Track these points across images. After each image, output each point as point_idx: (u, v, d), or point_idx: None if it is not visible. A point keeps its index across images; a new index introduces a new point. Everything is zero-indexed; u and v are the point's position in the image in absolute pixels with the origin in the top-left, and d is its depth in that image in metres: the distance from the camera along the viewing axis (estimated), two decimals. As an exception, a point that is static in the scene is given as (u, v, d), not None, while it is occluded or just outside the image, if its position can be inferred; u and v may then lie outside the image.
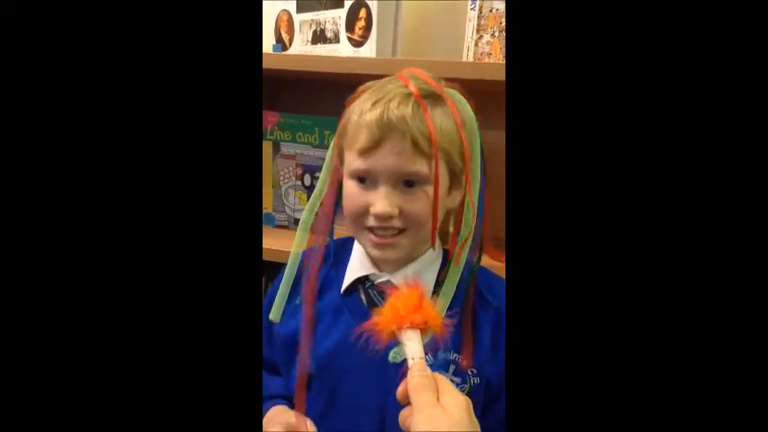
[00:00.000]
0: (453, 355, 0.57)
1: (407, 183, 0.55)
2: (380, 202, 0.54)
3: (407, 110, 0.53)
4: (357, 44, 0.89)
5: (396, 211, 0.54)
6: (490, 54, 0.85)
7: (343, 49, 0.91)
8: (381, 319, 0.46)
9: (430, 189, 0.55)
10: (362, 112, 0.55)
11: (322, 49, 0.94)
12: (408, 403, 0.42)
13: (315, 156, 0.95)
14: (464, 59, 0.87)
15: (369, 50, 0.88)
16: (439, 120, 0.54)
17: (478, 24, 0.85)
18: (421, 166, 0.54)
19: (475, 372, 0.58)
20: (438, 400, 0.41)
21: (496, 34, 0.84)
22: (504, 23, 0.84)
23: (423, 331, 0.45)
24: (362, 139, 0.54)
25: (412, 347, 0.44)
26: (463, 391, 0.58)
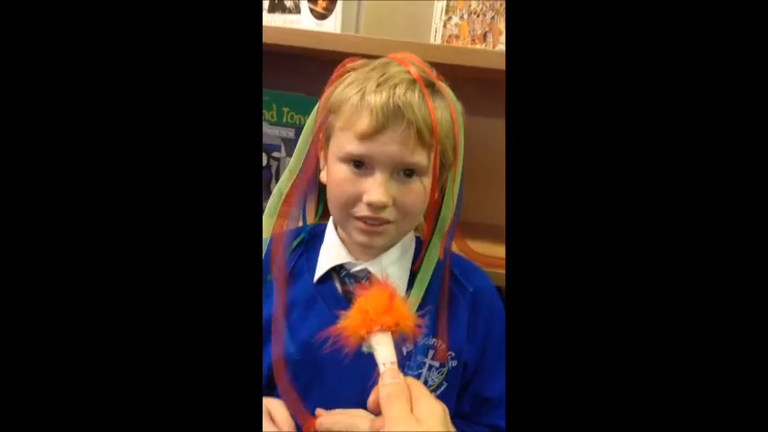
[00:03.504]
0: (432, 340, 0.57)
1: (406, 173, 0.53)
2: (376, 190, 0.51)
3: (414, 97, 0.51)
4: (320, 17, 0.84)
5: (390, 201, 0.52)
6: (458, 37, 0.83)
7: (305, 21, 0.86)
8: (349, 322, 0.43)
9: (425, 180, 0.54)
10: (365, 92, 0.51)
11: (281, 20, 0.88)
12: (380, 413, 0.39)
13: (272, 134, 0.89)
14: (431, 40, 0.85)
15: (333, 24, 0.84)
16: (440, 112, 0.53)
17: (447, 5, 0.83)
18: (421, 157, 0.52)
19: (453, 355, 0.58)
20: (412, 409, 0.38)
21: (465, 17, 0.83)
22: (472, 6, 0.82)
23: (394, 333, 0.42)
24: (364, 123, 0.51)
25: (383, 352, 0.41)
26: (441, 375, 0.58)
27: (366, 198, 0.52)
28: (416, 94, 0.51)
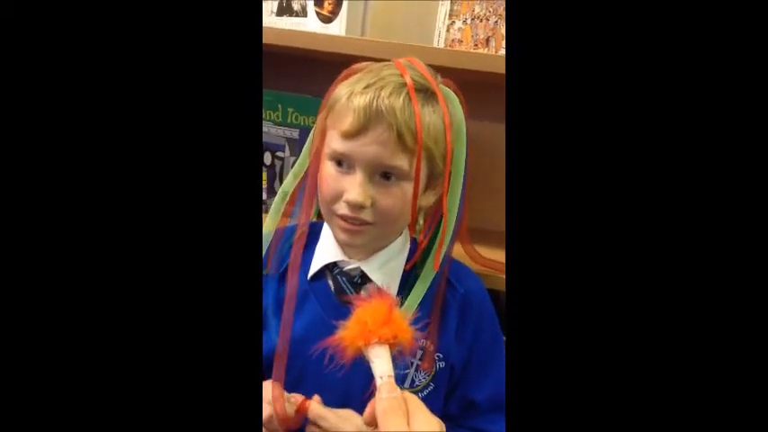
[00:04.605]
0: (422, 341, 0.58)
1: (385, 175, 0.54)
2: (355, 189, 0.52)
3: (398, 101, 0.51)
4: (326, 20, 0.86)
5: (368, 202, 0.53)
6: (461, 41, 0.85)
7: (311, 23, 0.87)
8: (347, 333, 0.42)
9: (406, 185, 0.54)
10: (352, 93, 0.53)
11: (288, 22, 0.90)
12: (376, 427, 0.39)
13: (277, 134, 0.91)
14: (435, 44, 0.86)
15: (338, 27, 0.85)
16: (428, 117, 0.53)
17: (451, 10, 0.84)
18: (401, 161, 0.53)
19: (441, 356, 0.59)
20: (408, 424, 0.38)
21: (468, 21, 0.84)
22: (476, 11, 0.83)
23: (392, 346, 0.42)
24: (347, 122, 0.52)
25: (380, 365, 0.41)
26: (428, 376, 0.59)
27: (345, 197, 0.53)
28: (402, 98, 0.51)
